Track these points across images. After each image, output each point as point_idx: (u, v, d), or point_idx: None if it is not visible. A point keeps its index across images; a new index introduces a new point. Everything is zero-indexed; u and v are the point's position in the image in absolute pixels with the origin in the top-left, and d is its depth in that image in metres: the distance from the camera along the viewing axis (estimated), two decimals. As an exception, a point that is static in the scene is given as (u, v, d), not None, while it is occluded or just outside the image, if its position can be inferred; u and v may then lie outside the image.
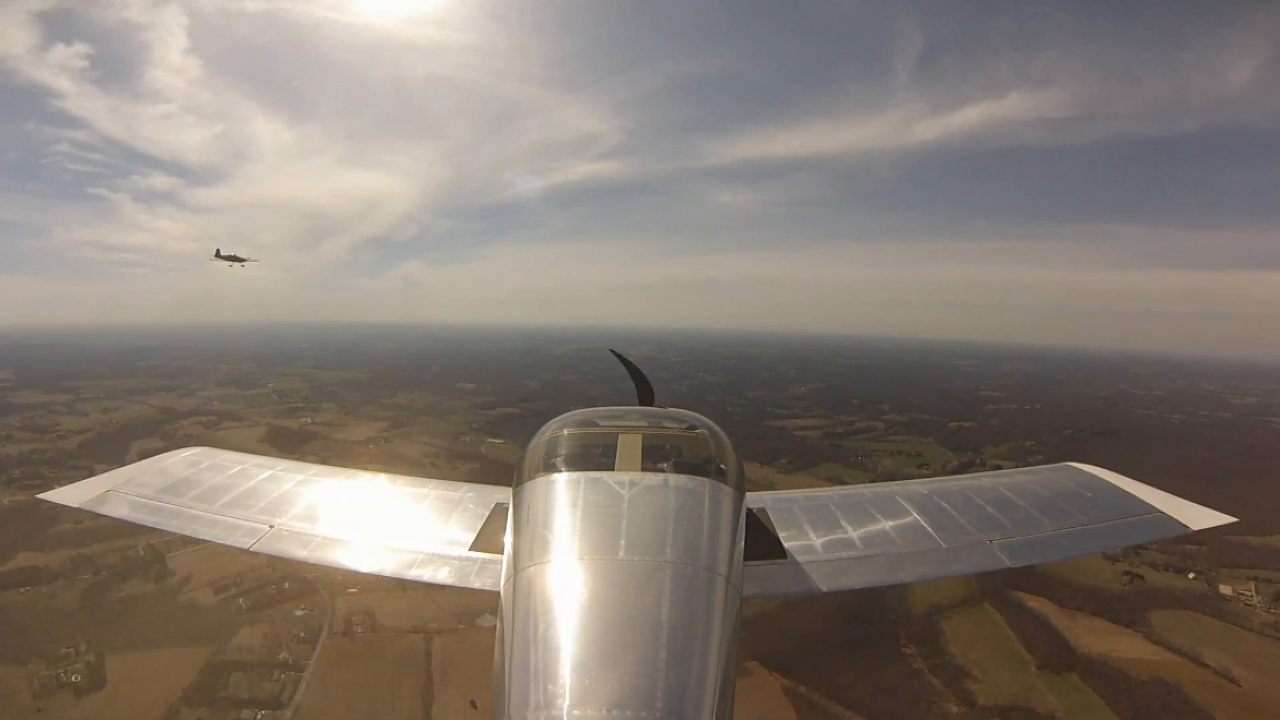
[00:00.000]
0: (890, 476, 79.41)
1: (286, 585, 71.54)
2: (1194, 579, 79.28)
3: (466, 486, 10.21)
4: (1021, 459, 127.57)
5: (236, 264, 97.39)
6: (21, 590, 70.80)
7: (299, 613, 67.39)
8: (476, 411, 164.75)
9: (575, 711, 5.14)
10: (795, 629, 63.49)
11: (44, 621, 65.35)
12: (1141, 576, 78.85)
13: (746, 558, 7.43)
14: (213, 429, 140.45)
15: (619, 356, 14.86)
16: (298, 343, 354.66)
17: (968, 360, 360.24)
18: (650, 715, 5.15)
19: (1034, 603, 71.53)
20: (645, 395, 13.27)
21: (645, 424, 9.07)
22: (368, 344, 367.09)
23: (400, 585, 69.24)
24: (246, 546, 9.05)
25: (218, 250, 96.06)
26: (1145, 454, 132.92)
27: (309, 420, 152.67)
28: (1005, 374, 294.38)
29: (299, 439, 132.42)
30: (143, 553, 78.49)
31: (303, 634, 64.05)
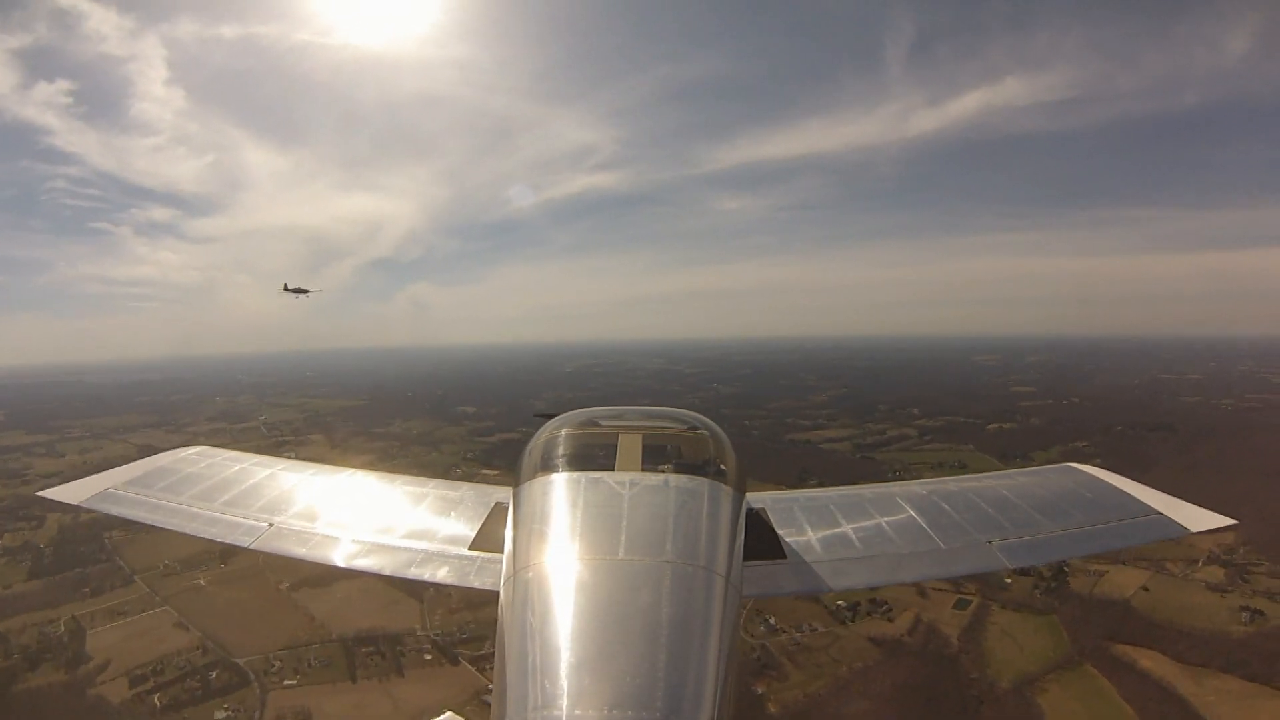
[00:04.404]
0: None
1: (213, 676, 60.24)
2: (1320, 610, 65.52)
3: (467, 486, 9.91)
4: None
5: (302, 295, 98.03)
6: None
7: (220, 715, 55.71)
8: (474, 439, 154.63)
9: (575, 711, 4.95)
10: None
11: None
12: (1262, 612, 64.87)
13: (746, 558, 7.18)
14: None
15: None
16: (302, 370, 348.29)
17: (988, 355, 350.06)
18: (650, 715, 4.95)
19: (1147, 661, 57.46)
20: None
21: (645, 424, 8.90)
22: (374, 369, 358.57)
23: (350, 675, 60.21)
24: (246, 544, 8.80)
25: (285, 284, 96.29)
26: (1218, 451, 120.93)
27: (292, 455, 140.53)
28: (1030, 367, 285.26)
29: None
30: (63, 629, 68.59)
31: (219, 748, 52.02)
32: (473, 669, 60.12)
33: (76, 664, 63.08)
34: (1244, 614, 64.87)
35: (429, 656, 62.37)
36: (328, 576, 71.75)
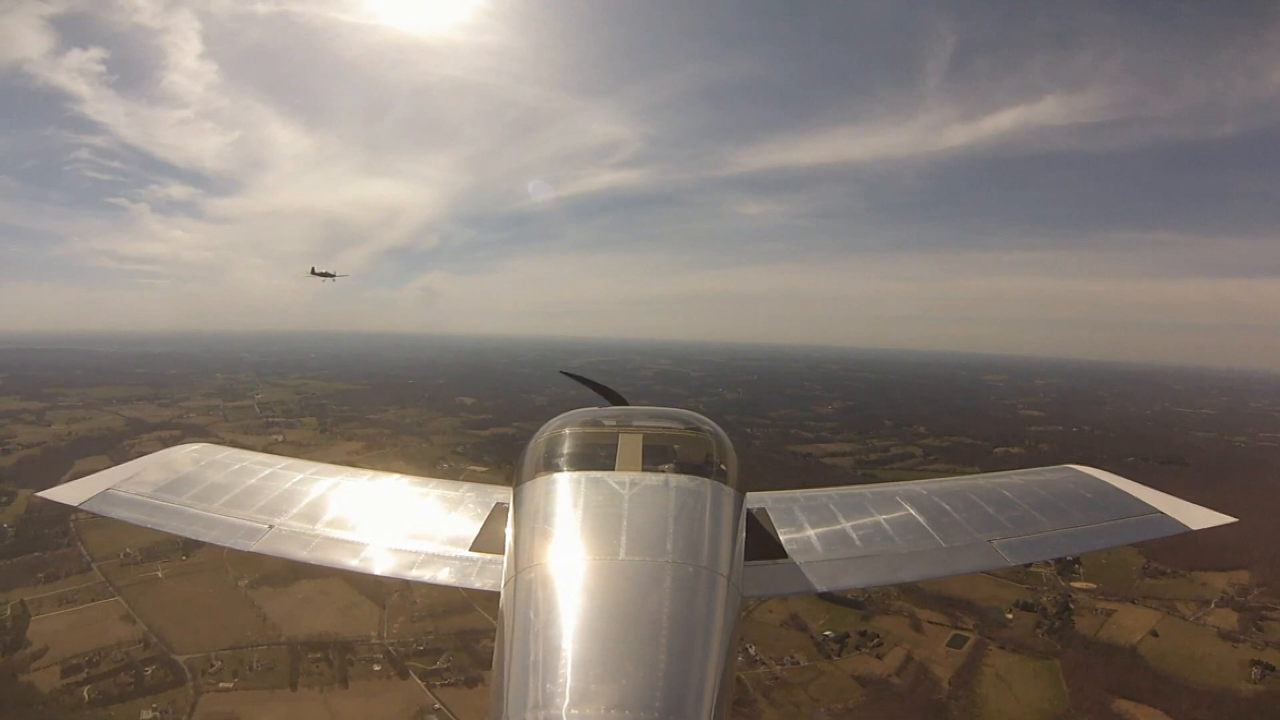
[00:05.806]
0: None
1: (149, 672, 57.24)
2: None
3: (467, 486, 9.89)
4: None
5: (329, 278, 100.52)
6: None
7: (147, 715, 52.69)
8: (467, 431, 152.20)
9: (574, 711, 4.99)
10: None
11: None
12: (1273, 668, 61.08)
13: (747, 558, 7.24)
14: (171, 446, 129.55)
15: (573, 376, 14.31)
16: (307, 352, 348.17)
17: (997, 375, 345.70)
18: (649, 715, 4.99)
19: (1150, 720, 53.38)
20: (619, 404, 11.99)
21: (646, 424, 8.95)
22: (379, 354, 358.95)
23: (290, 682, 57.05)
24: (247, 547, 8.67)
25: (313, 268, 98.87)
26: (1232, 490, 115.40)
27: (280, 438, 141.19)
28: (1039, 390, 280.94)
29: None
30: (8, 612, 66.04)
31: (140, 751, 49.47)
32: (422, 684, 56.94)
33: (13, 649, 60.88)
34: (1254, 669, 61.36)
35: (378, 667, 59.28)
36: (289, 575, 69.08)
